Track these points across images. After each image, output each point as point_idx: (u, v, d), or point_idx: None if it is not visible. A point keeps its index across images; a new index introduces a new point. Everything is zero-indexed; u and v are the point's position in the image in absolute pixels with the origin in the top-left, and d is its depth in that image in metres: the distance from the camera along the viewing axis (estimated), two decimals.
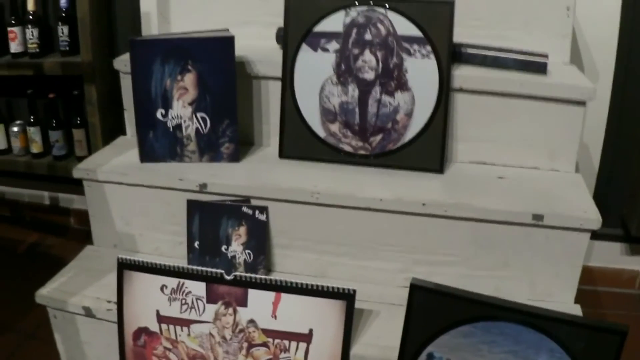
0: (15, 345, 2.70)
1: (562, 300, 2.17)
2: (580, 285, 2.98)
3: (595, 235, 2.98)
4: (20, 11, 3.29)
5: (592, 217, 2.06)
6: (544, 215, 2.05)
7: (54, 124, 3.34)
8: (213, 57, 2.25)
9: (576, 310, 2.12)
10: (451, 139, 2.36)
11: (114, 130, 2.87)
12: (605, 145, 3.03)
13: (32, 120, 3.38)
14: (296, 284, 1.89)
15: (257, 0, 2.59)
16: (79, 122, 3.32)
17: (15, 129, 3.44)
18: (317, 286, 1.88)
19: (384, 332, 2.01)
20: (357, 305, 1.94)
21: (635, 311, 3.12)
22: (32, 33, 3.24)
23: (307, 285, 1.88)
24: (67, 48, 3.24)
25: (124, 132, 2.68)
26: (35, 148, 3.42)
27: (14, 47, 3.29)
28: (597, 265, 3.28)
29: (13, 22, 3.26)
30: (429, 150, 2.27)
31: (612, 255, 3.26)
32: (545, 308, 1.72)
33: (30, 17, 3.23)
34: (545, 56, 2.33)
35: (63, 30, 3.22)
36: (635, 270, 3.27)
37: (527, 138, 2.33)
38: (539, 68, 2.32)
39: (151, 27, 3.09)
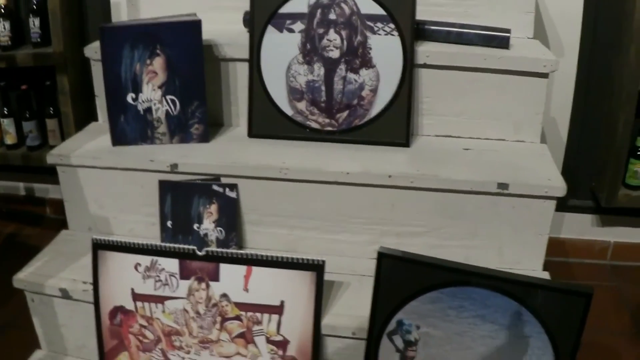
0: None
1: (531, 267, 2.21)
2: (552, 257, 3.03)
3: (566, 207, 3.04)
4: None
5: (557, 184, 2.10)
6: (509, 184, 2.09)
7: (28, 115, 3.36)
8: (181, 41, 2.28)
9: (545, 277, 2.15)
10: (417, 114, 2.39)
11: (86, 118, 2.88)
12: (572, 119, 3.07)
13: (5, 112, 3.39)
14: (266, 256, 1.93)
15: None
16: (52, 112, 3.34)
17: None
18: (287, 258, 1.92)
19: (354, 302, 2.04)
20: (328, 277, 1.99)
21: (607, 281, 3.17)
22: (3, 26, 3.25)
23: (276, 257, 1.93)
24: (39, 40, 3.26)
25: (95, 120, 2.69)
26: (10, 139, 3.43)
27: None
28: (569, 237, 3.33)
29: None
30: (395, 125, 2.31)
31: (583, 227, 3.31)
32: (510, 272, 1.77)
33: (2, 10, 3.24)
34: (508, 31, 2.37)
35: (34, 22, 3.24)
36: (607, 241, 3.32)
37: (492, 111, 2.38)
38: (502, 43, 2.36)
39: (121, 15, 3.10)
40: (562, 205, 3.19)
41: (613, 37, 2.90)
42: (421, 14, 2.35)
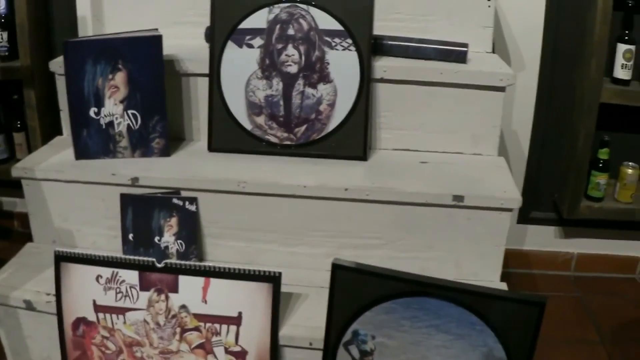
0: None
1: (488, 279, 2.24)
2: (515, 268, 3.09)
3: (529, 219, 3.09)
4: None
5: (512, 196, 2.13)
6: (464, 196, 2.13)
7: None
8: (142, 56, 2.30)
9: (502, 288, 2.17)
10: (375, 128, 2.42)
11: (53, 132, 2.89)
12: (534, 131, 3.12)
13: None
14: (224, 268, 1.96)
15: (188, 1, 2.64)
16: (19, 125, 3.36)
17: None
18: (244, 270, 1.95)
19: (312, 313, 2.07)
20: (286, 289, 2.03)
21: (571, 292, 3.21)
22: None
23: (234, 269, 1.95)
24: (7, 53, 3.27)
25: (62, 134, 2.71)
26: None
27: None
28: (532, 249, 3.37)
29: None
30: (352, 139, 2.33)
31: (546, 239, 3.35)
32: (463, 282, 1.80)
33: None
34: (465, 45, 2.40)
35: (2, 36, 3.25)
36: (570, 253, 3.36)
37: (450, 124, 2.41)
38: (459, 57, 2.39)
39: (87, 30, 3.13)
40: (525, 217, 3.24)
41: (574, 50, 2.96)
42: (381, 29, 2.39)
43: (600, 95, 2.84)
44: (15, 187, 2.51)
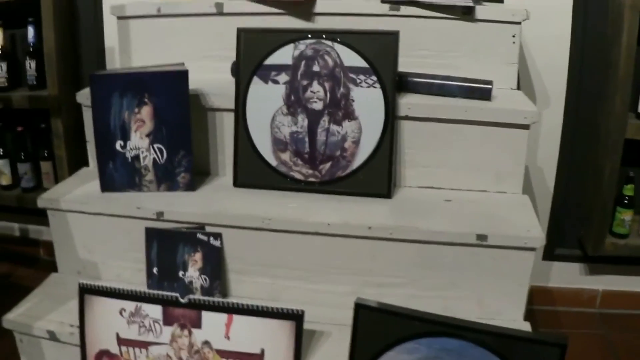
0: None
1: (512, 318, 2.21)
2: (540, 306, 3.07)
3: (554, 256, 3.07)
4: None
5: (536, 235, 2.11)
6: (488, 235, 2.11)
7: (23, 157, 3.42)
8: (168, 90, 2.31)
9: (525, 327, 2.15)
10: (399, 165, 2.42)
11: (79, 162, 2.92)
12: (559, 168, 3.10)
13: (1, 153, 3.44)
14: (247, 305, 1.96)
15: (214, 35, 2.66)
16: (46, 154, 3.39)
17: None
18: (267, 307, 1.95)
19: (334, 351, 2.07)
20: (309, 326, 2.02)
21: (596, 330, 3.18)
22: (0, 67, 3.30)
23: (257, 306, 1.96)
24: (35, 82, 3.31)
25: (88, 164, 2.73)
26: (5, 180, 3.48)
27: None
28: (557, 286, 3.34)
29: None
30: (377, 177, 2.33)
31: (571, 276, 3.33)
32: (486, 323, 1.79)
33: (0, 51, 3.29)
34: (490, 83, 2.39)
35: (31, 65, 3.29)
36: (595, 290, 3.34)
37: (474, 162, 2.40)
38: (483, 94, 2.39)
39: (115, 61, 3.18)
40: (550, 254, 3.22)
41: (599, 86, 2.94)
42: (406, 65, 2.40)
43: (626, 131, 2.83)
44: (41, 215, 2.53)
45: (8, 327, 2.27)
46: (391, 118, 2.30)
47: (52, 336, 2.20)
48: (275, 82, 2.34)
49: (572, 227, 3.23)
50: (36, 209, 2.48)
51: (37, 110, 3.34)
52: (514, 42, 2.53)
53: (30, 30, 3.28)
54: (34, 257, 3.86)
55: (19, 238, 3.90)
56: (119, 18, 2.75)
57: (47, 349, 2.27)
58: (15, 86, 3.42)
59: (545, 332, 3.08)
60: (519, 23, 2.50)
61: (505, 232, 2.14)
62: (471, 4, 2.45)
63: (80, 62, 3.40)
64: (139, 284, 2.29)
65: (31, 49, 3.29)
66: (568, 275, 3.33)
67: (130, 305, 2.05)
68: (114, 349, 2.09)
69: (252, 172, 2.41)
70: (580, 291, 3.35)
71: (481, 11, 2.49)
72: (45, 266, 3.65)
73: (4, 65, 3.33)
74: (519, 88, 2.63)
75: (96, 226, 2.39)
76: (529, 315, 2.23)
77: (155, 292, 2.02)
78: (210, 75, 2.58)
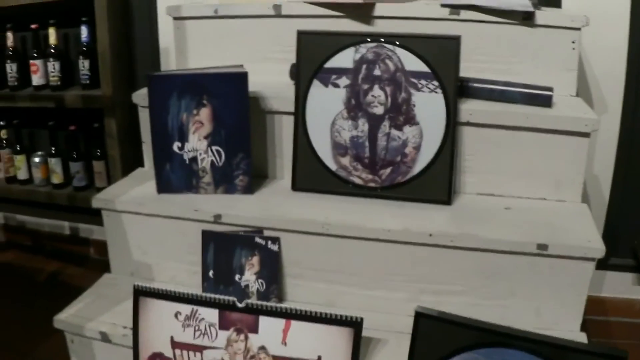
0: None
1: (569, 328, 2.19)
2: (592, 316, 3.03)
3: (607, 266, 3.03)
4: (42, 45, 3.37)
5: (596, 246, 2.08)
6: (548, 245, 2.08)
7: (75, 156, 3.44)
8: (227, 92, 2.31)
9: (582, 338, 2.14)
10: (459, 171, 2.40)
11: (133, 162, 2.93)
12: (615, 177, 3.06)
13: (53, 151, 3.48)
14: (305, 311, 1.95)
15: (272, 37, 2.66)
16: (99, 154, 3.41)
17: (37, 159, 3.54)
18: (326, 314, 1.94)
19: (391, 359, 2.05)
20: (366, 333, 2.00)
21: None
22: (53, 66, 3.34)
23: (315, 312, 1.94)
24: (88, 81, 3.34)
25: (142, 164, 2.74)
26: (56, 179, 3.51)
27: (36, 79, 3.40)
28: (609, 296, 3.30)
29: (35, 55, 3.37)
30: (437, 183, 2.31)
31: (623, 286, 3.28)
32: (545, 334, 1.77)
33: (52, 50, 3.32)
34: (550, 89, 2.37)
35: (84, 64, 3.31)
36: None
37: (534, 169, 2.37)
38: (544, 101, 2.36)
39: (169, 62, 3.18)
40: (603, 263, 3.18)
41: None
42: (465, 70, 2.37)
43: None
44: (92, 215, 2.55)
45: (59, 327, 2.28)
46: (452, 124, 2.28)
47: (105, 337, 2.21)
48: (336, 85, 2.33)
49: (627, 237, 3.19)
50: (87, 208, 2.50)
51: (90, 110, 3.35)
52: (573, 48, 2.49)
53: (84, 30, 3.31)
54: (84, 256, 3.88)
55: (69, 236, 3.93)
56: (175, 19, 2.76)
57: (98, 350, 2.27)
58: (68, 85, 3.45)
59: (600, 342, 3.05)
60: (579, 29, 2.47)
61: (566, 241, 2.11)
62: (531, 9, 2.43)
63: (134, 62, 3.42)
64: (194, 287, 2.29)
65: (85, 49, 3.31)
66: (621, 285, 3.28)
67: (186, 309, 2.04)
68: (168, 352, 2.09)
69: (311, 176, 2.40)
70: (633, 302, 3.30)
71: (541, 17, 2.47)
72: (95, 265, 3.69)
73: (57, 65, 3.35)
74: (577, 95, 2.59)
75: (151, 228, 2.40)
76: (582, 326, 2.21)
77: (212, 295, 2.02)
78: (268, 78, 2.57)
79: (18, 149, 3.56)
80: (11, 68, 3.43)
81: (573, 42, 2.48)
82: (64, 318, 2.27)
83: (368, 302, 2.26)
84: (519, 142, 2.34)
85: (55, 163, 3.49)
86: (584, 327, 2.21)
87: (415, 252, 2.18)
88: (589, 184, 3.04)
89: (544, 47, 2.51)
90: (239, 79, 2.31)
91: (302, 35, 2.35)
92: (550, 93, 2.36)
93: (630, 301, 3.27)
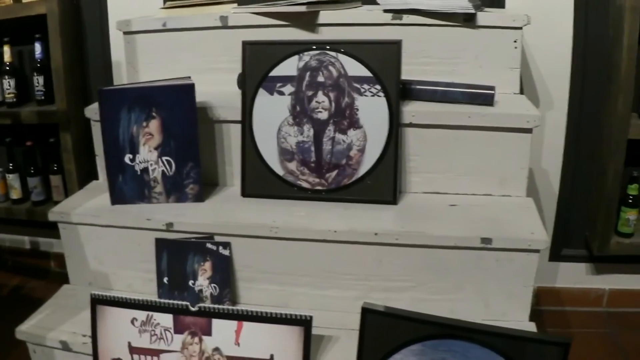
0: None
1: (517, 319, 2.24)
2: (548, 306, 3.09)
3: (560, 257, 3.10)
4: None
5: (540, 238, 2.14)
6: (492, 239, 2.14)
7: (32, 171, 3.46)
8: (175, 104, 2.35)
9: (531, 328, 2.18)
10: (404, 172, 2.45)
11: (88, 175, 2.96)
12: (564, 170, 3.13)
13: (10, 167, 3.49)
14: (256, 312, 2.00)
15: (220, 49, 2.70)
16: (55, 168, 3.44)
17: None
18: (276, 314, 1.99)
19: (343, 355, 2.10)
20: (318, 331, 2.06)
21: (603, 328, 3.21)
22: (9, 83, 3.35)
23: (266, 313, 1.99)
24: (43, 97, 3.36)
25: (97, 177, 2.77)
26: (15, 194, 3.53)
27: None
28: (564, 286, 3.37)
29: None
30: (382, 184, 2.36)
31: (577, 276, 3.35)
32: (489, 324, 1.84)
33: (7, 67, 3.34)
34: (492, 88, 2.43)
35: (38, 80, 3.33)
36: (602, 289, 3.36)
37: (478, 167, 2.43)
38: (486, 100, 2.42)
39: (122, 76, 3.22)
40: (556, 254, 3.25)
41: (601, 88, 2.98)
42: (410, 72, 2.44)
43: (629, 132, 2.86)
44: (51, 228, 2.56)
45: (21, 338, 2.31)
46: (395, 126, 2.33)
47: (65, 346, 2.24)
48: (281, 93, 2.38)
49: (578, 228, 3.26)
50: (46, 222, 2.51)
51: (46, 125, 3.38)
52: (515, 47, 2.55)
53: (38, 47, 3.32)
54: (45, 270, 3.90)
55: (29, 251, 3.94)
56: (125, 33, 2.78)
57: (59, 359, 2.30)
58: (23, 101, 3.46)
59: (551, 331, 3.10)
60: (520, 28, 2.52)
61: (510, 235, 2.17)
62: (472, 11, 2.48)
63: (88, 76, 3.44)
64: (150, 294, 2.33)
65: (39, 65, 3.33)
66: (575, 276, 3.35)
67: (141, 315, 2.09)
68: (126, 357, 2.13)
69: (260, 182, 2.44)
70: (587, 291, 3.37)
71: (482, 17, 2.52)
72: (56, 278, 3.70)
73: (12, 82, 3.37)
74: (522, 92, 2.65)
75: (107, 238, 2.43)
76: (536, 316, 2.27)
77: (166, 301, 2.06)
78: (217, 88, 2.61)
79: None
80: None
81: (515, 41, 2.54)
82: (26, 329, 2.30)
83: (319, 302, 2.31)
84: (463, 140, 2.40)
85: (13, 179, 3.51)
86: (536, 318, 2.28)
87: (363, 251, 2.22)
88: (538, 178, 3.10)
89: (487, 47, 2.56)
90: (186, 90, 2.35)
91: (247, 45, 2.40)
92: (492, 92, 2.42)
93: (584, 290, 3.35)
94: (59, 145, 3.36)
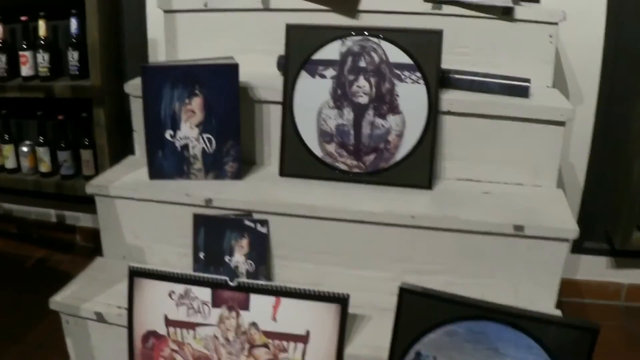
0: (24, 356, 2.81)
1: (544, 306, 2.26)
2: (567, 298, 3.11)
3: (582, 250, 3.12)
4: (31, 36, 3.42)
5: (570, 227, 2.18)
6: (525, 226, 2.18)
7: (63, 145, 3.50)
8: (219, 83, 2.38)
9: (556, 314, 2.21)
10: (440, 158, 2.49)
11: (120, 150, 2.99)
12: (590, 164, 3.16)
13: (41, 140, 3.52)
14: (294, 288, 2.04)
15: (259, 30, 2.74)
16: (86, 143, 3.47)
17: (25, 149, 3.58)
18: (314, 291, 2.03)
19: (376, 334, 2.14)
20: (352, 310, 2.09)
21: (620, 322, 3.24)
22: (43, 57, 3.38)
23: (304, 289, 2.04)
24: (77, 72, 3.39)
25: (131, 152, 2.81)
26: (44, 167, 3.56)
27: (25, 70, 3.44)
28: (584, 279, 3.39)
29: (25, 46, 3.41)
30: (419, 168, 2.40)
31: (598, 269, 3.37)
32: (522, 308, 1.87)
33: (42, 41, 3.37)
34: (527, 81, 2.46)
35: (73, 56, 3.35)
36: (620, 283, 3.38)
37: (511, 156, 2.46)
38: (522, 92, 2.45)
39: (157, 53, 3.24)
40: (578, 247, 3.27)
41: (629, 85, 3.00)
42: (447, 62, 2.45)
43: None
44: (79, 202, 2.58)
45: (55, 308, 2.34)
46: (434, 113, 2.36)
47: (100, 317, 2.28)
48: (323, 76, 2.41)
49: (601, 222, 3.28)
50: (74, 195, 2.54)
51: (78, 100, 3.41)
52: (550, 42, 2.58)
53: (74, 22, 3.35)
54: (70, 243, 3.93)
55: (55, 224, 3.97)
56: (166, 12, 2.82)
57: (93, 330, 2.34)
58: (56, 76, 3.49)
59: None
60: (556, 24, 2.56)
61: (541, 223, 2.20)
62: (511, 5, 2.51)
63: (123, 53, 3.47)
64: (185, 269, 2.33)
65: (74, 40, 3.36)
66: (595, 269, 3.37)
67: (179, 288, 2.13)
68: (162, 330, 2.17)
69: (298, 162, 2.48)
70: (607, 284, 3.39)
71: (520, 11, 2.56)
72: (81, 252, 3.75)
73: (46, 56, 3.39)
74: (554, 86, 2.67)
75: (144, 212, 2.47)
76: (557, 306, 2.28)
77: (205, 275, 2.10)
78: (256, 69, 2.63)
79: (6, 138, 3.60)
80: (0, 59, 3.47)
81: (550, 36, 2.57)
82: (60, 300, 2.33)
83: (353, 282, 2.33)
84: (497, 130, 2.43)
85: (43, 152, 3.53)
86: (559, 308, 2.29)
87: (398, 233, 2.26)
88: (564, 171, 3.12)
89: (523, 41, 2.60)
90: (231, 70, 2.38)
91: (291, 28, 2.43)
92: (527, 84, 2.45)
93: (604, 283, 3.36)
94: (91, 120, 3.38)
